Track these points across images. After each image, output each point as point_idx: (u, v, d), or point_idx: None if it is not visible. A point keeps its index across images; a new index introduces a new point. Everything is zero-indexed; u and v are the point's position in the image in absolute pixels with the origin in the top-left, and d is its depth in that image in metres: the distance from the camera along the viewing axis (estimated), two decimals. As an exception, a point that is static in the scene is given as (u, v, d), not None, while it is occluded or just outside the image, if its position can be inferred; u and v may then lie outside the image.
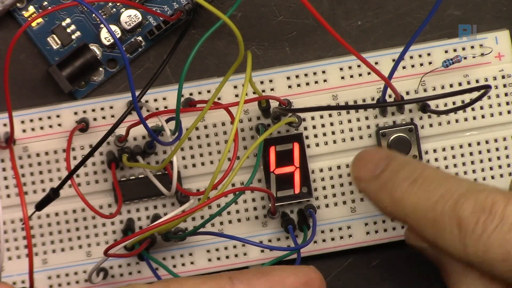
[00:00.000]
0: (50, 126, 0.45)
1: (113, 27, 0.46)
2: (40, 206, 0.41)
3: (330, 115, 0.45)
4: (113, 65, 0.46)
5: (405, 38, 0.46)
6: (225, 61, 0.46)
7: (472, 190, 0.35)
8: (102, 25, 0.46)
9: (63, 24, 0.46)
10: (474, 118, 0.45)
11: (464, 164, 0.45)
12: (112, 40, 0.46)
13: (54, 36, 0.46)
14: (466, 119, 0.45)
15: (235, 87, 0.45)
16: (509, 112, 0.45)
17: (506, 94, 0.45)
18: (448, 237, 0.35)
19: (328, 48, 0.46)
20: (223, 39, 0.46)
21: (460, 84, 0.45)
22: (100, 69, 0.46)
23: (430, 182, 0.36)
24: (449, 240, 0.35)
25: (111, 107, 0.45)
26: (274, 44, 0.46)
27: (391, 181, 0.37)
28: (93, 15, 0.46)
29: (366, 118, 0.45)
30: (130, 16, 0.46)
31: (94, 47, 0.46)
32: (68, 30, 0.46)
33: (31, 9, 0.46)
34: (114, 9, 0.46)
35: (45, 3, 0.46)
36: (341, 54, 0.46)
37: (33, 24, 0.46)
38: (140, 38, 0.46)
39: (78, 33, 0.46)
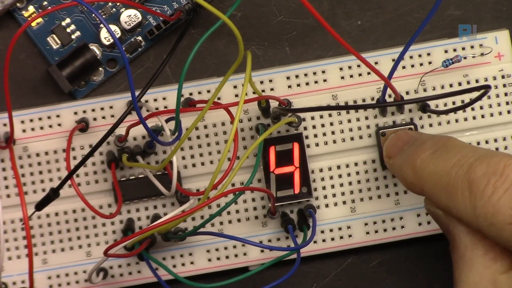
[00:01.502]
0: (50, 126, 0.45)
1: (113, 27, 0.46)
2: (40, 206, 0.41)
3: (330, 115, 0.45)
4: (113, 65, 0.46)
5: (405, 38, 0.46)
6: (225, 61, 0.46)
7: (487, 155, 0.35)
8: (102, 25, 0.46)
9: (63, 24, 0.46)
10: (474, 118, 0.45)
11: (464, 164, 0.45)
12: (112, 40, 0.46)
13: (54, 36, 0.46)
14: (466, 119, 0.45)
15: (235, 87, 0.45)
16: (509, 112, 0.45)
17: (506, 94, 0.45)
18: (459, 200, 0.35)
19: (328, 48, 0.46)
20: (223, 39, 0.46)
21: (460, 84, 0.45)
22: (100, 69, 0.46)
23: (449, 150, 0.37)
24: (460, 203, 0.35)
25: (111, 107, 0.45)
26: (274, 44, 0.46)
27: (415, 153, 0.38)
28: (93, 15, 0.46)
29: (366, 118, 0.45)
30: (130, 16, 0.46)
31: (94, 47, 0.46)
32: (68, 30, 0.46)
33: (31, 9, 0.46)
34: (114, 9, 0.46)
35: (45, 3, 0.46)
36: (341, 54, 0.46)
37: (33, 24, 0.46)
38: (140, 38, 0.46)
39: (78, 33, 0.46)
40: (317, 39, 0.46)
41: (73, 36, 0.46)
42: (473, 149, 0.37)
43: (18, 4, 0.46)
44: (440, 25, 0.46)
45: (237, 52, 0.38)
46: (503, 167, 0.34)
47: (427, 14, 0.46)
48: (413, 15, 0.47)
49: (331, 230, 0.46)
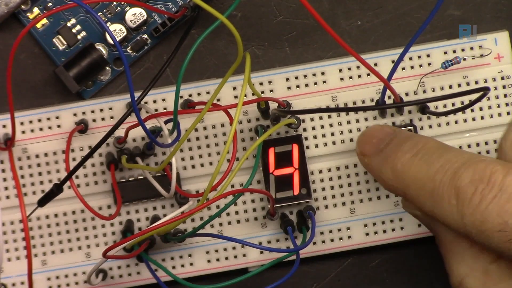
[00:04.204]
0: (50, 128, 0.45)
1: (119, 26, 0.46)
2: (42, 201, 0.41)
3: (329, 117, 0.45)
4: (119, 64, 0.46)
5: (405, 38, 0.46)
6: (224, 61, 0.46)
7: (472, 160, 0.35)
8: (107, 24, 0.46)
9: (68, 24, 0.46)
10: (474, 119, 0.45)
11: (463, 165, 0.45)
12: (118, 39, 0.46)
13: (60, 36, 0.46)
14: (465, 120, 0.45)
15: (234, 88, 0.45)
16: (508, 113, 0.45)
17: (505, 95, 0.45)
18: (446, 207, 0.35)
19: (328, 48, 0.46)
20: (222, 39, 0.46)
21: (459, 85, 0.45)
22: (107, 68, 0.46)
23: (431, 153, 0.36)
24: (447, 211, 0.35)
25: (110, 109, 0.45)
26: (274, 44, 0.46)
27: (394, 154, 0.38)
28: (99, 14, 0.46)
29: (366, 119, 0.45)
30: (135, 15, 0.46)
31: (100, 47, 0.46)
32: (74, 30, 0.46)
33: (36, 10, 0.46)
34: (119, 8, 0.46)
35: (50, 4, 0.46)
36: (341, 54, 0.46)
37: (38, 25, 0.46)
38: (145, 36, 0.46)
39: (83, 33, 0.46)
40: (317, 39, 0.46)
41: (79, 37, 0.46)
42: (456, 153, 0.36)
43: (23, 7, 0.46)
44: (440, 25, 0.46)
45: (237, 52, 0.38)
46: (489, 174, 0.34)
47: (427, 14, 0.46)
48: (413, 15, 0.46)
49: (330, 231, 0.46)
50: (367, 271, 0.47)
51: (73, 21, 0.46)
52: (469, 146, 0.45)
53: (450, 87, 0.45)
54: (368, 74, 0.45)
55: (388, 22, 0.47)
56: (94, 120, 0.45)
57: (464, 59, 0.45)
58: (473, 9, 0.47)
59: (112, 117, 0.45)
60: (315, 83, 0.45)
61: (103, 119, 0.45)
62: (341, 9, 0.46)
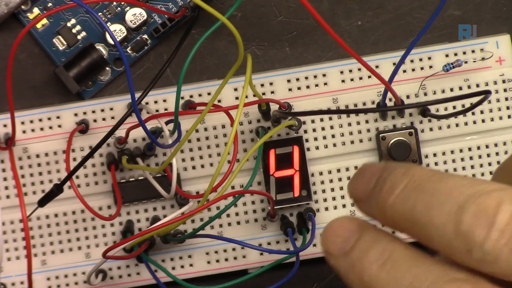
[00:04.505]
0: (50, 127, 0.45)
1: (119, 26, 0.46)
2: (42, 201, 0.41)
3: (330, 119, 0.45)
4: (119, 64, 0.46)
5: (405, 38, 0.46)
6: (225, 61, 0.46)
7: (440, 280, 0.32)
8: (107, 24, 0.46)
9: (68, 24, 0.46)
10: (474, 122, 0.45)
11: (464, 168, 0.45)
12: (118, 39, 0.45)
13: (60, 37, 0.46)
14: (466, 123, 0.45)
15: (235, 89, 0.45)
16: (509, 116, 0.45)
17: (506, 99, 0.45)
18: (457, 253, 0.33)
19: (328, 48, 0.46)
20: (223, 39, 0.46)
21: (460, 88, 0.45)
22: (107, 68, 0.46)
23: (398, 266, 0.33)
24: (457, 255, 0.33)
25: (111, 109, 0.45)
26: (274, 44, 0.46)
27: (360, 263, 0.34)
28: (99, 14, 0.46)
29: (366, 121, 0.45)
30: (135, 15, 0.46)
31: (100, 47, 0.46)
32: (74, 30, 0.46)
33: (36, 10, 0.46)
34: (119, 8, 0.46)
35: (50, 4, 0.46)
36: (341, 54, 0.46)
37: (38, 25, 0.46)
38: (145, 36, 0.46)
39: (83, 33, 0.46)
40: (317, 39, 0.46)
41: (79, 37, 0.46)
42: (424, 268, 0.33)
43: (23, 7, 0.46)
44: (440, 25, 0.46)
45: (238, 52, 0.38)
46: None
47: (427, 14, 0.46)
48: (413, 15, 0.46)
49: (330, 233, 0.45)
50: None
51: (73, 21, 0.46)
52: (469, 149, 0.45)
53: (451, 90, 0.45)
54: (369, 76, 0.45)
55: (388, 22, 0.47)
56: (95, 120, 0.45)
57: (466, 62, 0.45)
58: (473, 9, 0.46)
59: (113, 118, 0.45)
60: (316, 85, 0.45)
61: (104, 119, 0.45)
62: (341, 9, 0.46)
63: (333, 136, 0.45)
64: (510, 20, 0.46)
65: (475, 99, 0.40)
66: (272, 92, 0.45)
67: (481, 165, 0.45)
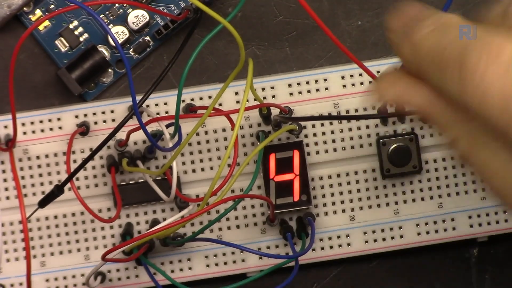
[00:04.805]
0: (51, 129, 0.45)
1: (121, 28, 0.46)
2: (43, 202, 0.41)
3: (331, 123, 0.45)
4: (122, 66, 0.46)
5: (406, 39, 0.46)
6: (225, 61, 0.46)
7: (482, 38, 0.34)
8: (110, 26, 0.46)
9: (71, 26, 0.46)
10: (475, 129, 0.45)
11: (464, 175, 0.45)
12: (120, 41, 0.46)
13: (62, 39, 0.46)
14: (467, 130, 0.45)
15: (236, 93, 0.45)
16: (510, 123, 0.45)
17: (507, 106, 0.45)
18: (449, 78, 0.34)
19: (328, 48, 0.46)
20: (223, 39, 0.46)
21: (461, 94, 0.45)
22: (109, 70, 0.46)
23: (446, 27, 0.36)
24: (449, 83, 0.34)
25: (112, 111, 0.45)
26: (274, 44, 0.46)
27: (416, 29, 0.36)
28: (101, 16, 0.46)
29: (367, 126, 0.45)
30: (137, 17, 0.46)
31: (102, 49, 0.46)
32: (76, 32, 0.46)
33: (38, 12, 0.46)
34: (121, 10, 0.46)
35: (52, 6, 0.46)
36: (342, 54, 0.45)
37: (41, 27, 0.46)
38: (148, 38, 0.46)
39: (86, 35, 0.46)
40: (317, 39, 0.46)
41: (81, 39, 0.46)
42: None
43: (25, 9, 0.46)
44: (441, 26, 0.46)
45: (238, 52, 0.38)
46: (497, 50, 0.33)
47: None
48: (414, 16, 0.46)
49: (330, 238, 0.45)
50: (368, 271, 0.47)
51: (75, 23, 0.46)
52: (470, 155, 0.45)
53: (452, 96, 0.45)
54: (370, 82, 0.45)
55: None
56: (95, 123, 0.45)
57: (467, 69, 0.45)
58: (473, 9, 0.46)
59: (113, 120, 0.45)
60: (317, 90, 0.45)
61: (104, 121, 0.45)
62: (341, 9, 0.46)
63: (333, 141, 0.45)
64: (510, 20, 0.46)
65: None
66: (273, 96, 0.45)
67: (481, 172, 0.45)
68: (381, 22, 0.46)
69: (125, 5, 0.46)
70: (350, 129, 0.45)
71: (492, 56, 0.33)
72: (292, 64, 0.46)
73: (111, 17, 0.46)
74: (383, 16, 0.46)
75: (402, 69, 0.36)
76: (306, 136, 0.45)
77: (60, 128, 0.45)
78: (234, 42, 0.45)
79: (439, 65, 0.35)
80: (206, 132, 0.45)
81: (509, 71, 0.32)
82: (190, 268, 0.46)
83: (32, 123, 0.45)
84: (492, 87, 0.33)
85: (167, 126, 0.43)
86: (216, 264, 0.45)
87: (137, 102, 0.41)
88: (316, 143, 0.45)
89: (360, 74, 0.45)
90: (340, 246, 0.46)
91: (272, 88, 0.45)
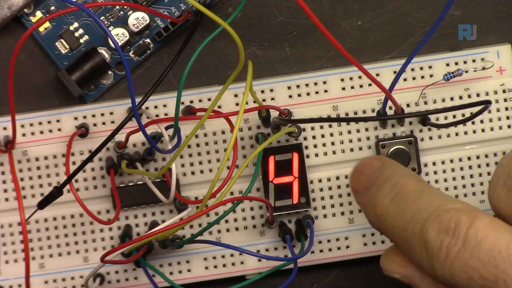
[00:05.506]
0: (50, 131, 0.45)
1: (121, 30, 0.46)
2: (42, 204, 0.41)
3: (330, 126, 0.45)
4: (122, 68, 0.46)
5: (405, 38, 0.46)
6: (225, 61, 0.46)
7: (439, 209, 0.34)
8: (110, 28, 0.46)
9: (71, 28, 0.46)
10: (474, 131, 0.45)
11: (463, 177, 0.45)
12: (120, 43, 0.46)
13: (62, 40, 0.46)
14: (466, 133, 0.45)
15: (236, 95, 0.45)
16: (509, 126, 0.45)
17: (506, 109, 0.45)
18: (419, 258, 0.35)
19: (328, 48, 0.46)
20: (223, 39, 0.46)
21: (460, 97, 0.45)
22: (109, 72, 0.46)
23: (405, 199, 0.36)
24: (420, 261, 0.35)
25: (111, 113, 0.45)
26: (274, 44, 0.46)
27: (375, 196, 0.37)
28: (102, 18, 0.46)
29: (366, 129, 0.45)
30: (137, 19, 0.46)
31: (102, 50, 0.46)
32: (76, 34, 0.46)
33: (39, 14, 0.46)
34: (122, 12, 0.46)
35: (52, 8, 0.46)
36: (341, 55, 0.45)
37: (41, 29, 0.46)
38: (148, 40, 0.46)
39: (86, 37, 0.46)
40: (317, 39, 0.46)
41: (81, 40, 0.46)
42: (427, 199, 0.36)
43: (25, 10, 0.46)
44: (440, 25, 0.46)
45: (238, 52, 0.38)
46: (454, 226, 0.33)
47: (427, 14, 0.46)
48: (413, 15, 0.46)
49: (328, 241, 0.45)
50: (367, 271, 0.47)
51: (75, 25, 0.46)
52: (469, 158, 0.45)
53: (452, 99, 0.45)
54: (369, 84, 0.45)
55: (388, 22, 0.47)
56: (94, 125, 0.45)
57: (466, 72, 0.45)
58: (473, 9, 0.47)
59: (113, 122, 0.45)
60: (317, 92, 0.45)
61: (103, 123, 0.45)
62: (341, 9, 0.46)
63: (332, 143, 0.45)
64: (510, 20, 0.46)
65: (475, 109, 0.40)
66: (273, 99, 0.45)
67: (480, 175, 0.45)
68: (381, 22, 0.46)
69: (125, 7, 0.46)
70: (349, 132, 0.45)
71: (449, 236, 0.34)
72: (292, 64, 0.46)
73: (111, 19, 0.46)
74: (383, 16, 0.46)
75: None
76: (305, 138, 0.45)
77: (59, 130, 0.45)
78: (234, 42, 0.45)
79: (406, 244, 0.35)
80: (205, 134, 0.45)
81: (467, 252, 0.33)
82: (189, 270, 0.46)
83: (31, 124, 0.45)
84: (456, 272, 0.33)
85: (166, 128, 0.43)
86: (215, 266, 0.45)
87: (137, 104, 0.41)
88: (315, 146, 0.45)
89: (360, 77, 0.45)
90: (339, 248, 0.46)
91: (271, 90, 0.45)
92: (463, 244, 0.33)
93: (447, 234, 0.34)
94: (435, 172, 0.45)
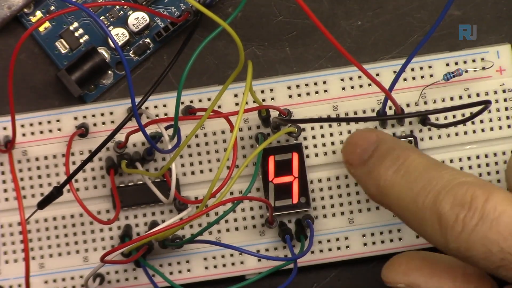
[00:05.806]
0: (50, 131, 0.45)
1: (121, 30, 0.46)
2: (42, 204, 0.41)
3: (330, 126, 0.45)
4: (122, 67, 0.46)
5: (405, 38, 0.46)
6: (225, 61, 0.46)
7: (452, 182, 0.35)
8: (110, 28, 0.46)
9: (71, 28, 0.46)
10: (474, 131, 0.45)
11: (463, 177, 0.45)
12: (120, 43, 0.46)
13: (62, 40, 0.46)
14: (465, 133, 0.45)
15: (236, 95, 0.45)
16: (509, 126, 0.45)
17: (506, 109, 0.45)
18: (430, 231, 0.35)
19: (328, 48, 0.46)
20: (223, 39, 0.46)
21: (460, 97, 0.45)
22: (109, 72, 0.46)
23: (412, 171, 0.36)
24: (431, 234, 0.35)
25: (111, 113, 0.45)
26: (274, 44, 0.46)
27: (377, 169, 0.37)
28: (102, 18, 0.46)
29: (366, 129, 0.45)
30: (137, 19, 0.46)
31: (102, 50, 0.46)
32: (76, 34, 0.46)
33: (39, 14, 0.46)
34: (122, 12, 0.46)
35: (52, 7, 0.46)
36: (341, 55, 0.45)
37: (41, 29, 0.46)
38: (148, 40, 0.46)
39: (86, 37, 0.46)
40: (317, 39, 0.46)
41: (81, 40, 0.46)
42: (437, 172, 0.35)
43: (25, 10, 0.46)
44: (440, 25, 0.46)
45: (238, 52, 0.38)
46: (470, 199, 0.34)
47: (427, 14, 0.46)
48: (413, 15, 0.47)
49: (328, 241, 0.45)
50: (367, 271, 0.47)
51: (75, 24, 0.46)
52: (469, 158, 0.45)
53: (452, 99, 0.45)
54: (369, 84, 0.45)
55: (388, 22, 0.47)
56: (94, 124, 0.45)
57: (466, 71, 0.45)
58: (473, 9, 0.47)
59: (112, 122, 0.45)
60: (317, 92, 0.45)
61: (103, 123, 0.45)
62: (341, 9, 0.46)
63: (332, 143, 0.45)
64: (510, 20, 0.46)
65: (475, 109, 0.40)
66: (272, 99, 0.45)
67: (480, 175, 0.45)
68: (381, 22, 0.46)
69: (125, 7, 0.46)
70: (349, 132, 0.45)
71: (465, 210, 0.34)
72: (292, 64, 0.46)
73: (111, 19, 0.46)
74: (383, 16, 0.46)
75: None
76: (305, 138, 0.45)
77: (59, 129, 0.45)
78: (234, 42, 0.45)
79: (415, 217, 0.35)
80: (205, 134, 0.45)
81: (485, 225, 0.33)
82: (189, 270, 0.46)
83: (31, 124, 0.45)
84: (474, 245, 0.33)
85: (166, 128, 0.43)
86: (215, 266, 0.46)
87: (136, 104, 0.41)
88: (315, 146, 0.45)
89: (359, 77, 0.45)
90: (339, 248, 0.46)
91: (271, 90, 0.45)
92: (480, 217, 0.33)
93: (463, 207, 0.34)
94: (435, 172, 0.45)
